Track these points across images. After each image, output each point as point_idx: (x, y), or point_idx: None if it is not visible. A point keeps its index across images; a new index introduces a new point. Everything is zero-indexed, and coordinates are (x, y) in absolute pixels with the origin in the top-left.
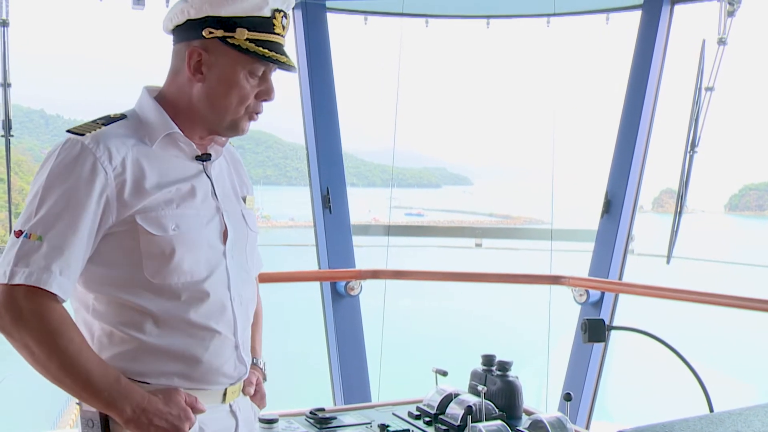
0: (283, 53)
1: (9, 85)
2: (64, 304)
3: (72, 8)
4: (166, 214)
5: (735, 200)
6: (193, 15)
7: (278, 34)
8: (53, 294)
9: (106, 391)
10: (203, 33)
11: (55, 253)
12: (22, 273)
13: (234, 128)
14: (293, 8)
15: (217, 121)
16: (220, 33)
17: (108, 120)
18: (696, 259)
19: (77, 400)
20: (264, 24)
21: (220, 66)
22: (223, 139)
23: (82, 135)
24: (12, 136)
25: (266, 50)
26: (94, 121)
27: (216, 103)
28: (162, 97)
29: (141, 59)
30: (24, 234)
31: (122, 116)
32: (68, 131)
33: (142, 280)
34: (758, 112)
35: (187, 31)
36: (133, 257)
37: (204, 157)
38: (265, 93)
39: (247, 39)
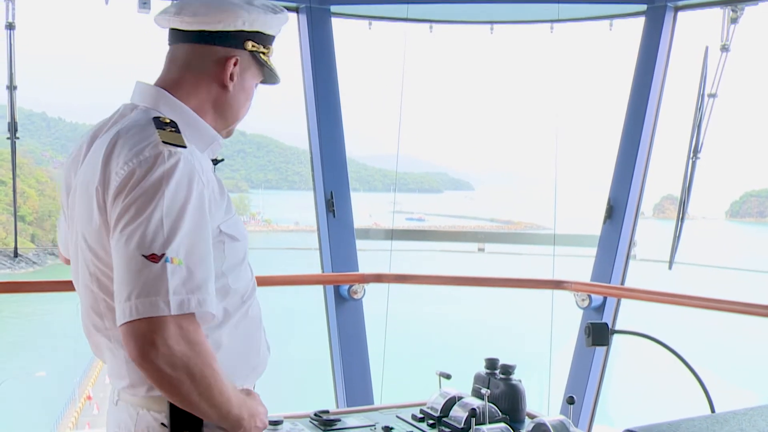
0: None
1: (15, 87)
2: None
3: (75, 10)
4: (236, 220)
5: (736, 207)
6: (246, 27)
7: None
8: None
9: (238, 407)
10: (245, 44)
11: (206, 274)
12: (188, 300)
13: (230, 134)
14: (298, 12)
15: (225, 126)
16: (261, 48)
17: (174, 126)
18: (697, 264)
19: (131, 413)
20: (272, 41)
21: (246, 77)
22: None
23: (183, 147)
24: (18, 138)
25: (274, 66)
26: (164, 129)
27: (234, 110)
28: (177, 95)
29: (144, 62)
30: (166, 258)
31: (172, 121)
32: (164, 142)
33: (223, 287)
34: (759, 119)
35: (230, 38)
36: (218, 266)
37: (216, 161)
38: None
39: (269, 57)
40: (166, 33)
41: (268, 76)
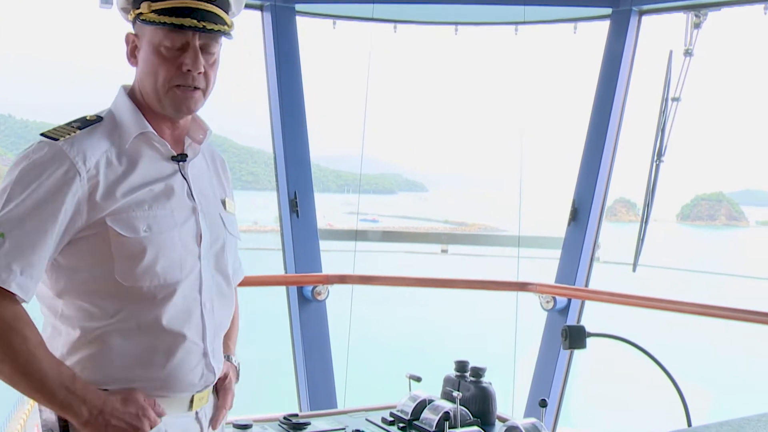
0: (198, 17)
1: None
2: (27, 306)
3: (30, 7)
4: (137, 216)
5: (687, 210)
6: (122, 5)
7: None
8: (11, 294)
9: (61, 392)
10: (130, 16)
11: (18, 251)
12: None
13: (174, 107)
14: (262, 10)
15: (156, 102)
16: (133, 13)
17: (84, 123)
18: (651, 266)
19: (38, 408)
20: None
21: (142, 46)
22: (201, 136)
23: (56, 139)
24: None
25: (169, 17)
26: (68, 125)
27: (146, 83)
28: (133, 95)
29: (106, 60)
30: None
31: (98, 118)
32: (42, 134)
33: (112, 283)
34: (711, 124)
35: (128, 18)
36: (104, 260)
37: (180, 157)
38: (185, 63)
39: (152, 11)
40: (122, 32)
41: (164, 24)
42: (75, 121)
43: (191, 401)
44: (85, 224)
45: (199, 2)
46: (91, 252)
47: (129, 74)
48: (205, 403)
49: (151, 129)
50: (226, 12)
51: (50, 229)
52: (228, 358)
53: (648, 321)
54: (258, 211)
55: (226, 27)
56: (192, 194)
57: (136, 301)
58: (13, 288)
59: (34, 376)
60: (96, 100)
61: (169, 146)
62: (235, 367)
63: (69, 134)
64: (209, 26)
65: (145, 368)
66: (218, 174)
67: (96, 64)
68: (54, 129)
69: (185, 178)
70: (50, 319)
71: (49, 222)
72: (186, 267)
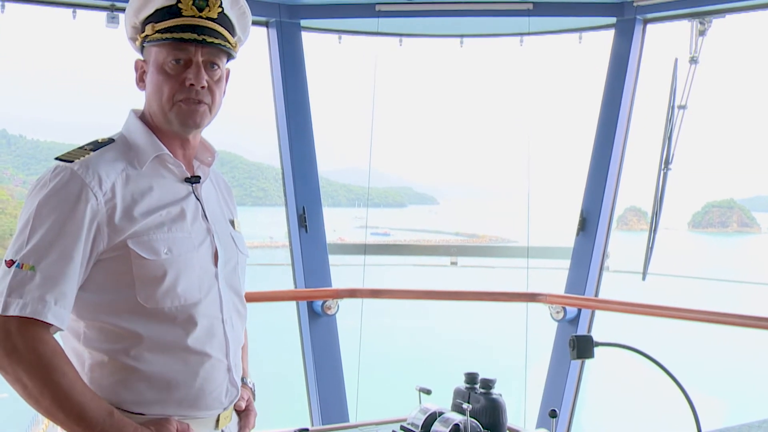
0: (198, 32)
1: None
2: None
3: (41, 25)
4: (158, 238)
5: (698, 217)
6: (130, 34)
7: (191, 16)
8: (48, 325)
9: (99, 426)
10: (136, 44)
11: (50, 282)
12: (16, 304)
13: (180, 120)
14: (268, 26)
15: (163, 119)
16: (140, 38)
17: (96, 145)
18: (663, 274)
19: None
20: (168, 12)
21: (149, 68)
22: (209, 159)
23: (71, 162)
24: None
25: (171, 33)
26: (81, 147)
27: (153, 102)
28: (143, 118)
29: (114, 78)
30: (16, 264)
31: (110, 140)
32: (56, 158)
33: (134, 305)
34: (720, 131)
35: (135, 47)
36: (126, 282)
37: (193, 179)
38: (188, 78)
39: (156, 31)
40: (130, 50)
41: (165, 40)
42: (87, 144)
43: (217, 420)
44: (107, 246)
45: (201, 20)
46: (112, 274)
47: (140, 93)
48: (229, 421)
49: (166, 150)
50: (230, 32)
51: (76, 255)
52: (244, 380)
53: (660, 330)
54: (271, 226)
55: (228, 44)
56: (206, 215)
57: (159, 322)
58: (50, 319)
59: (73, 410)
60: (108, 119)
61: (183, 168)
62: (251, 389)
63: (83, 156)
64: (209, 39)
65: (174, 389)
66: (224, 196)
67: (105, 81)
68: (68, 152)
69: (199, 200)
70: (72, 342)
71: (73, 248)
72: (204, 287)
